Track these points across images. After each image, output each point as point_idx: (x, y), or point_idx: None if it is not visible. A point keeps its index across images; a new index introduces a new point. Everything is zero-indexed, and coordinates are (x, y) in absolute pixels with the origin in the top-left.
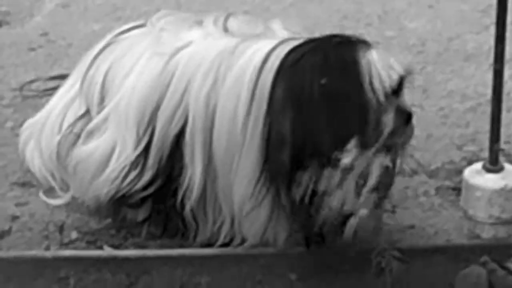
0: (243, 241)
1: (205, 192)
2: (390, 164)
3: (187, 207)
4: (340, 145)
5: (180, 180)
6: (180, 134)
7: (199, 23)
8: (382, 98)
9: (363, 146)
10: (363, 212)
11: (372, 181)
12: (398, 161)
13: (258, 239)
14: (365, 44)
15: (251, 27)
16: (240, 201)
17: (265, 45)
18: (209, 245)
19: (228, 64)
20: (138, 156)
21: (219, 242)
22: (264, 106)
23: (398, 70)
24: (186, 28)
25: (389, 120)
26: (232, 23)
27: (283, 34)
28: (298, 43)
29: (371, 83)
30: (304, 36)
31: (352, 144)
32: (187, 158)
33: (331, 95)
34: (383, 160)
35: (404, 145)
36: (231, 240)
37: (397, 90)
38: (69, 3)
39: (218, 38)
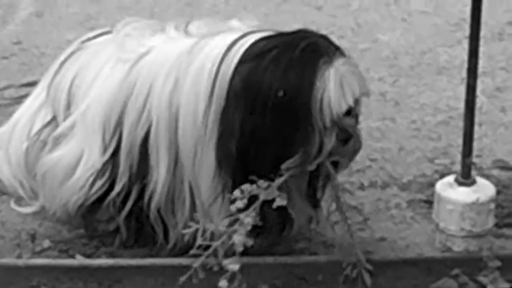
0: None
1: (173, 193)
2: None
3: (153, 208)
4: (280, 155)
5: (147, 181)
6: (146, 138)
7: (163, 29)
8: (328, 123)
9: (301, 164)
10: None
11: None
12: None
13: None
14: (332, 51)
15: (211, 27)
16: (205, 196)
17: (224, 38)
18: (181, 252)
19: (187, 62)
20: (105, 163)
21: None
22: (223, 97)
23: (352, 92)
24: (149, 34)
25: (329, 142)
26: (193, 26)
27: (244, 28)
28: (265, 35)
29: (321, 107)
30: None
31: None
32: (152, 160)
33: (281, 110)
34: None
35: (343, 161)
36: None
37: (347, 113)
38: (43, 11)
39: (178, 41)
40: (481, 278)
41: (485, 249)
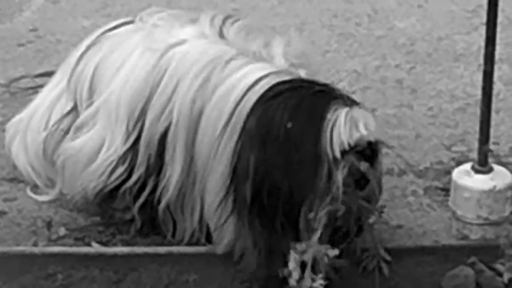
0: None
1: (184, 192)
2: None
3: (163, 204)
4: (294, 191)
5: (161, 177)
6: (166, 133)
7: (194, 21)
8: (337, 153)
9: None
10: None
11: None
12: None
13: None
14: (345, 100)
15: (248, 39)
16: (208, 210)
17: (257, 70)
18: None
19: (219, 76)
20: (127, 151)
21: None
22: (236, 133)
23: (364, 132)
24: (179, 25)
25: (338, 177)
26: (229, 29)
27: (280, 62)
28: (283, 80)
29: (331, 138)
30: (301, 67)
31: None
32: (168, 157)
33: (292, 142)
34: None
35: (363, 207)
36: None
37: (360, 151)
38: None
39: (213, 42)
40: (498, 266)
41: (502, 237)
